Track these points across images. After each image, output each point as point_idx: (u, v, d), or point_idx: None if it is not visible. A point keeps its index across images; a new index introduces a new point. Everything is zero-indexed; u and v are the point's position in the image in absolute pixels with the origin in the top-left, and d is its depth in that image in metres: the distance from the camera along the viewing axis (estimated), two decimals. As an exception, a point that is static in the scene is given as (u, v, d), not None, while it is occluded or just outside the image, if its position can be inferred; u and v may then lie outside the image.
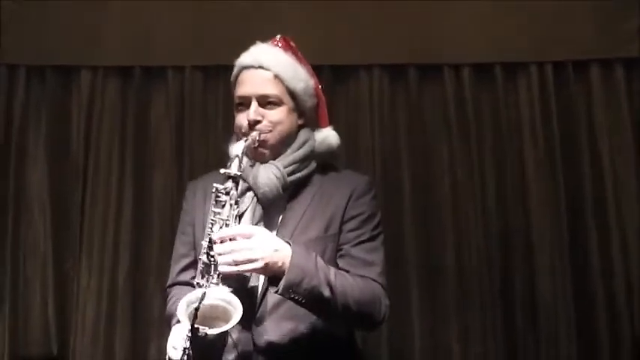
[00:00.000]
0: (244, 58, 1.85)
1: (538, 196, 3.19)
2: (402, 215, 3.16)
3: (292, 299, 1.62)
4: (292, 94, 1.83)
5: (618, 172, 3.21)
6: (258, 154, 1.81)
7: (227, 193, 1.64)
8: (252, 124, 1.77)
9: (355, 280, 1.71)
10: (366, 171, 3.13)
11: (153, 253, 3.15)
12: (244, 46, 3.12)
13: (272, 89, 1.80)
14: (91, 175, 3.17)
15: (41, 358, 3.06)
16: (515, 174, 3.22)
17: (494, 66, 3.26)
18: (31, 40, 3.20)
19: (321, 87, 2.01)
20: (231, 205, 1.64)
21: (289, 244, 1.65)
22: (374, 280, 1.75)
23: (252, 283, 1.70)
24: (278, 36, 1.95)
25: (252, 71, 1.82)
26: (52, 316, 3.10)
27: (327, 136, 1.91)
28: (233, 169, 1.66)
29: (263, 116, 1.79)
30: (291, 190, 1.82)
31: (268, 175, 1.76)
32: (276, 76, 1.81)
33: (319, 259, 1.68)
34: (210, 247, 1.60)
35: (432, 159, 3.23)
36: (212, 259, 1.58)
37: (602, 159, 3.22)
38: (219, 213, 1.64)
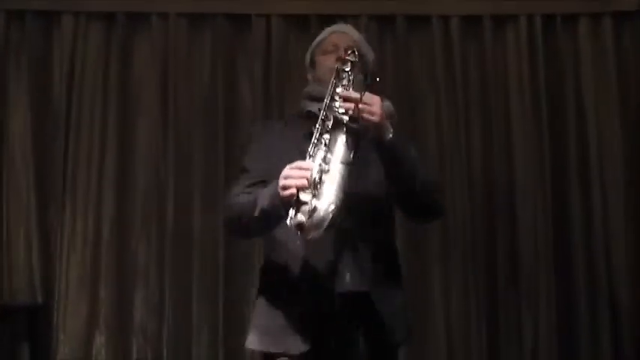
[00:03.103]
0: (333, 27, 2.18)
1: (523, 150, 3.22)
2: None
3: (394, 156, 1.79)
4: (365, 60, 2.01)
5: (602, 126, 3.24)
6: None
7: (347, 71, 1.80)
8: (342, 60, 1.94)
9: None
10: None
11: (137, 200, 3.14)
12: None
13: (356, 45, 1.98)
14: (74, 123, 3.12)
15: (26, 307, 3.06)
16: (501, 127, 3.23)
17: (483, 18, 3.24)
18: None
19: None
20: (349, 80, 1.79)
21: None
22: None
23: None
24: None
25: (340, 33, 2.11)
26: (36, 265, 3.08)
27: None
28: (352, 57, 1.83)
29: None
30: None
31: None
32: (357, 41, 2.06)
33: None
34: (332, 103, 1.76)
35: (419, 110, 3.23)
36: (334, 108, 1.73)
37: (586, 113, 3.24)
38: (338, 85, 1.79)
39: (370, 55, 2.11)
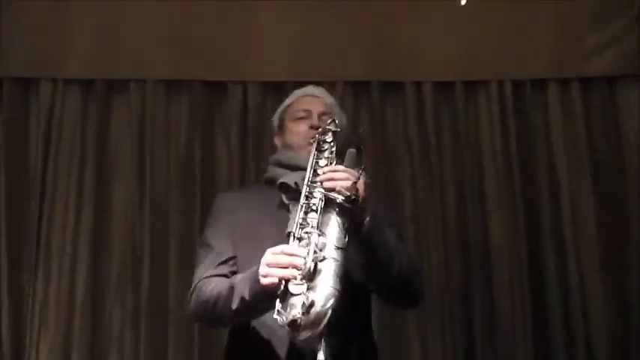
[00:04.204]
0: (304, 90, 2.17)
1: (497, 212, 3.24)
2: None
3: (370, 243, 1.64)
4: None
5: (574, 187, 3.28)
6: None
7: (329, 142, 1.78)
8: (316, 128, 1.91)
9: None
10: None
11: (112, 266, 3.10)
12: (207, 61, 3.20)
13: (328, 111, 2.05)
14: (50, 188, 3.11)
15: (-6, 379, 2.98)
16: (475, 188, 3.27)
17: (455, 83, 3.32)
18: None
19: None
20: (331, 152, 1.76)
21: None
22: None
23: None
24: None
25: (312, 97, 2.12)
26: (5, 330, 3.00)
27: None
28: (333, 127, 1.82)
29: None
30: None
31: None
32: (329, 105, 2.10)
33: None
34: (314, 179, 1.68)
35: (393, 173, 3.26)
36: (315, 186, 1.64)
37: (558, 175, 3.29)
38: (321, 157, 1.75)
39: (342, 120, 2.04)
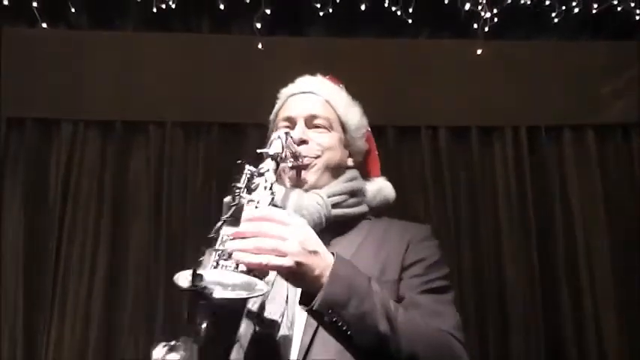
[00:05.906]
0: (292, 87, 1.69)
1: (512, 255, 3.25)
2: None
3: (333, 326, 1.22)
4: (344, 125, 1.65)
5: (589, 230, 3.31)
6: (300, 179, 1.55)
7: (261, 175, 1.29)
8: (298, 144, 1.54)
9: (426, 324, 1.35)
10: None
11: (127, 306, 3.11)
12: (226, 104, 3.24)
13: (322, 111, 1.62)
14: (67, 227, 3.14)
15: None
16: (490, 233, 3.28)
17: (470, 128, 3.35)
18: (12, 91, 3.19)
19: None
20: (265, 187, 1.27)
21: (333, 254, 1.27)
22: (449, 333, 1.38)
23: (282, 332, 1.35)
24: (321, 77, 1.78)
25: (301, 95, 1.65)
26: (20, 367, 3.01)
27: (384, 187, 1.69)
28: (274, 149, 1.37)
29: (310, 138, 1.57)
30: (336, 228, 1.53)
31: (310, 201, 1.49)
32: (327, 101, 1.64)
33: (375, 282, 1.29)
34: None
35: (409, 217, 3.24)
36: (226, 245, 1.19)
37: (573, 219, 3.31)
38: (240, 199, 1.26)
39: (352, 118, 1.65)
